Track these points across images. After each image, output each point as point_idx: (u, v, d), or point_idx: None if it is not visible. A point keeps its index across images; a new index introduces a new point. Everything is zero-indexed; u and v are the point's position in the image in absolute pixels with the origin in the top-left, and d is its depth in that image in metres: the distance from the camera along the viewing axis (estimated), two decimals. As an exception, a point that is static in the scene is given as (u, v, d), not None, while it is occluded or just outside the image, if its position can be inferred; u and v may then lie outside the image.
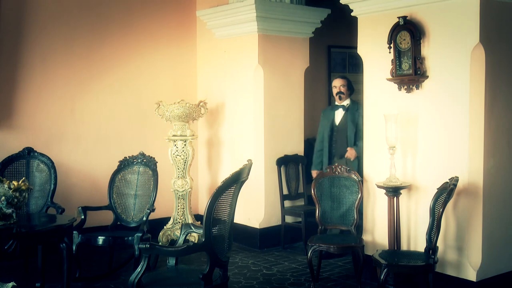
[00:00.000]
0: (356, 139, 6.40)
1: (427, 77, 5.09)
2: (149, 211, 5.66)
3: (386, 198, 5.25)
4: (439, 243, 4.82)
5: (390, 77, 5.31)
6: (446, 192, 4.52)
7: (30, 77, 6.44)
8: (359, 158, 6.30)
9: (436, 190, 4.73)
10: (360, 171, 5.99)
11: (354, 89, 6.67)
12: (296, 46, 7.07)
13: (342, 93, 6.54)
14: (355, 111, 6.47)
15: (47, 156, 5.99)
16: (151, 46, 7.25)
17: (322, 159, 6.63)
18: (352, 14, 5.72)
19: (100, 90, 6.89)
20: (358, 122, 6.39)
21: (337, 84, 6.57)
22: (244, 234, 6.89)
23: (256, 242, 6.84)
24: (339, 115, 6.58)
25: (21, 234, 4.51)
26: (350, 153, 6.41)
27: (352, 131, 6.45)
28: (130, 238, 5.47)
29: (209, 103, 7.07)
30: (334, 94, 6.60)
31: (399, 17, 5.10)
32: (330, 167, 5.63)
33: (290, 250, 6.76)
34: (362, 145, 5.93)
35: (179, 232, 5.51)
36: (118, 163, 6.04)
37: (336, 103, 6.61)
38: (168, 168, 6.68)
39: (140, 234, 5.42)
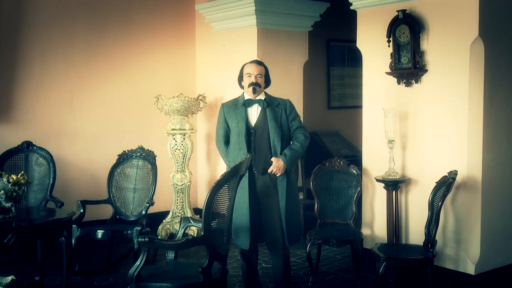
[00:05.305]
0: (284, 146, 4.71)
1: (426, 71, 5.08)
2: (148, 205, 5.67)
3: (385, 191, 5.26)
4: (438, 237, 4.83)
5: (389, 71, 5.31)
6: (445, 186, 4.52)
7: (29, 71, 6.42)
8: (288, 174, 4.72)
9: (435, 184, 4.74)
10: (292, 190, 4.76)
11: (270, 81, 4.90)
12: (295, 40, 7.05)
13: (258, 85, 4.72)
14: (275, 107, 4.74)
15: (46, 150, 5.99)
16: (150, 40, 7.23)
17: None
18: (351, 7, 5.71)
19: (99, 84, 6.88)
20: (291, 123, 4.77)
21: (253, 71, 4.73)
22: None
23: (255, 236, 6.81)
24: (254, 113, 4.76)
25: (20, 228, 4.52)
26: (276, 165, 4.65)
27: (277, 134, 4.68)
28: (129, 231, 5.47)
29: (208, 97, 7.06)
30: (246, 85, 4.74)
31: (398, 11, 5.10)
32: (329, 161, 5.62)
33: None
34: (294, 154, 4.68)
35: (178, 225, 5.53)
36: (117, 157, 6.04)
37: (249, 96, 4.77)
38: (167, 162, 6.69)
39: (139, 228, 5.43)
